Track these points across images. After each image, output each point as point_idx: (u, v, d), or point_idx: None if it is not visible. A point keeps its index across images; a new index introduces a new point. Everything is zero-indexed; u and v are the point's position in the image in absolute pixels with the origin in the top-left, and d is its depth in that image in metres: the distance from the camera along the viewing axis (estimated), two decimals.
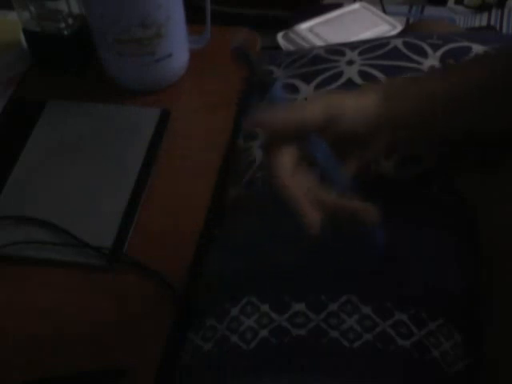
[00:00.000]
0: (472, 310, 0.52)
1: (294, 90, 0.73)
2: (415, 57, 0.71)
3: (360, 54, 0.74)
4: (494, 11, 1.39)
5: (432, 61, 0.70)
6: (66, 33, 0.85)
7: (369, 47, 0.75)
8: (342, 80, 0.71)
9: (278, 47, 1.07)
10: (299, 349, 0.51)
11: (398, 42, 0.73)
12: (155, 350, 0.60)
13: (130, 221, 0.70)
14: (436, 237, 0.56)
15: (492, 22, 1.37)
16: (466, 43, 0.72)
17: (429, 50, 0.72)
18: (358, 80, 0.70)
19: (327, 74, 0.72)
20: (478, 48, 0.71)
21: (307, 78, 0.73)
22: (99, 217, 0.70)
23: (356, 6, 1.16)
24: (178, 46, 0.84)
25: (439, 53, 0.71)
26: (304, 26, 1.08)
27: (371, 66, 0.71)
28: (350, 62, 0.73)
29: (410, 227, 0.57)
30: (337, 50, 0.76)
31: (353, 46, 0.76)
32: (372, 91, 0.51)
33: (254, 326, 0.53)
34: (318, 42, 1.04)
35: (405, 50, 0.72)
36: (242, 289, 0.56)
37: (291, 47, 1.05)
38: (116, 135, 0.80)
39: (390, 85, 0.53)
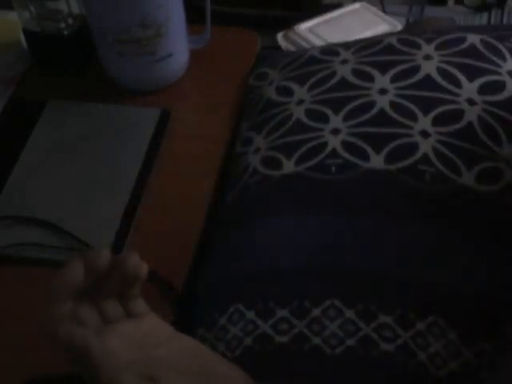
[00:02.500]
0: (470, 304, 0.52)
1: (289, 92, 0.73)
2: (409, 50, 0.71)
3: (354, 52, 0.74)
4: (494, 11, 1.39)
5: (426, 51, 0.70)
6: (66, 33, 0.85)
7: (363, 46, 0.74)
8: (335, 79, 0.70)
9: (277, 47, 1.07)
10: (281, 356, 0.51)
11: (393, 40, 0.73)
12: None
13: (130, 221, 0.70)
14: (423, 232, 0.56)
15: (492, 22, 1.37)
16: (460, 34, 0.71)
17: (423, 43, 0.71)
18: (350, 78, 0.70)
19: (320, 74, 0.72)
20: (472, 37, 0.70)
21: (301, 80, 0.73)
22: (99, 217, 0.70)
23: (356, 5, 1.15)
24: (177, 46, 0.84)
25: (433, 45, 0.71)
26: (304, 26, 1.08)
27: (365, 63, 0.71)
28: (344, 62, 0.72)
29: (395, 224, 0.57)
30: (331, 50, 0.76)
31: (347, 45, 0.76)
32: None
33: (240, 334, 0.53)
34: (318, 42, 1.03)
35: (399, 46, 0.72)
36: (229, 297, 0.57)
37: (291, 47, 1.05)
38: (116, 135, 0.80)
39: None
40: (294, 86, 0.73)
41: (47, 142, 0.79)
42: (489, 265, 0.55)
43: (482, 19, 1.39)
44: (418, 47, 0.71)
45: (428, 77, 0.67)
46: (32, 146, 0.79)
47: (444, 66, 0.67)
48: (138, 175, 0.74)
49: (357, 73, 0.70)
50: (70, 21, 0.86)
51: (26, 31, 0.88)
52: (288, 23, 1.11)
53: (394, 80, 0.68)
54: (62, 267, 0.41)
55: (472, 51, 0.69)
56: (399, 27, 1.10)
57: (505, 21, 1.38)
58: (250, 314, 0.54)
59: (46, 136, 0.80)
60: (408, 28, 1.05)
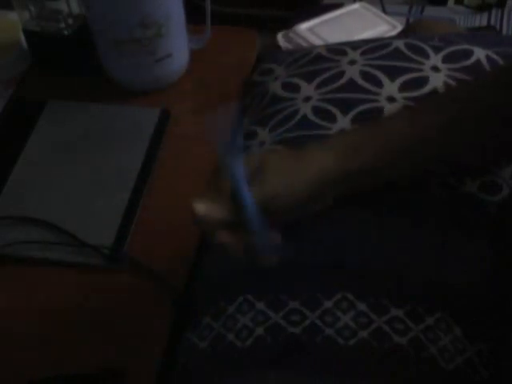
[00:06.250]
0: (475, 303, 0.52)
1: (296, 88, 0.73)
2: (417, 57, 0.71)
3: (362, 54, 0.74)
4: (494, 11, 1.39)
5: (434, 61, 0.70)
6: (66, 33, 0.85)
7: (371, 47, 0.75)
8: (344, 80, 0.71)
9: (278, 47, 1.07)
10: (294, 346, 0.51)
11: (400, 44, 0.73)
12: (155, 349, 0.60)
13: (130, 221, 0.70)
14: (435, 231, 0.56)
15: (492, 22, 1.37)
16: (467, 46, 0.72)
17: (430, 51, 0.72)
18: (359, 80, 0.70)
19: (329, 73, 0.72)
20: (479, 52, 0.71)
21: (308, 77, 0.73)
22: (99, 217, 0.70)
23: (356, 6, 1.15)
24: (178, 46, 0.84)
25: (440, 55, 0.71)
26: (304, 26, 1.08)
27: (373, 66, 0.71)
28: (352, 62, 0.73)
29: (408, 223, 0.57)
30: (339, 49, 0.76)
31: (355, 45, 0.76)
32: (327, 152, 0.53)
33: (250, 324, 0.53)
34: (318, 42, 1.04)
35: (406, 51, 0.72)
36: (238, 287, 0.57)
37: (291, 47, 1.05)
38: (116, 135, 0.80)
39: (345, 139, 0.55)
40: (301, 83, 0.73)
41: (47, 142, 0.79)
42: (492, 266, 0.55)
43: (482, 19, 1.39)
44: (427, 56, 0.71)
45: (435, 90, 0.67)
46: (32, 146, 0.79)
47: (450, 81, 0.68)
48: (137, 175, 0.74)
49: (365, 76, 0.70)
50: (70, 21, 0.86)
51: (26, 31, 0.88)
52: (288, 23, 1.11)
53: (402, 89, 0.68)
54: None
55: (478, 69, 0.69)
56: (399, 27, 1.11)
57: (505, 21, 1.38)
58: (260, 305, 0.54)
59: (46, 136, 0.80)
60: (412, 27, 1.04)
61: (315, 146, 0.56)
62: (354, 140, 0.54)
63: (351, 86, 0.70)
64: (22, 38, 0.90)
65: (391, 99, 0.67)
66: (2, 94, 0.87)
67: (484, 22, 1.38)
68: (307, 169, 0.51)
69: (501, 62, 0.70)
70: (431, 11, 1.42)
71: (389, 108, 0.66)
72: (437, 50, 0.72)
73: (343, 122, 0.66)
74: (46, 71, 0.91)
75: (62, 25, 0.85)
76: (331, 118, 0.67)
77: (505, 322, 0.52)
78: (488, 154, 0.58)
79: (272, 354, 0.51)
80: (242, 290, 0.56)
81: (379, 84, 0.69)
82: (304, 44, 1.05)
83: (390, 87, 0.68)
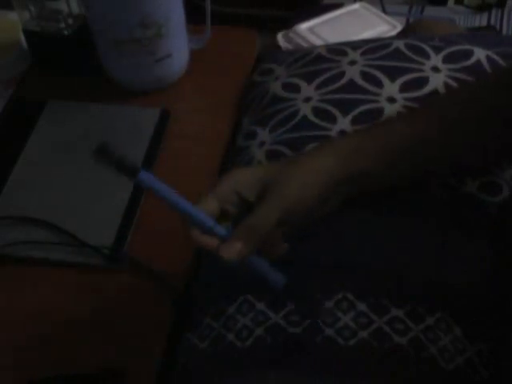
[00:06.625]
0: (475, 303, 0.52)
1: (296, 88, 0.73)
2: (417, 58, 0.71)
3: (362, 54, 0.74)
4: (494, 11, 1.39)
5: (434, 62, 0.70)
6: (66, 33, 0.85)
7: (371, 47, 0.74)
8: (344, 80, 0.71)
9: (278, 47, 1.07)
10: (294, 346, 0.51)
11: (400, 44, 0.73)
12: (155, 350, 0.60)
13: (130, 221, 0.70)
14: (435, 231, 0.56)
15: (492, 22, 1.37)
16: (467, 46, 0.72)
17: (431, 52, 0.72)
18: (359, 81, 0.70)
19: (329, 73, 0.72)
20: (479, 52, 0.71)
21: (309, 78, 0.73)
22: (99, 217, 0.70)
23: (356, 6, 1.15)
24: (178, 46, 0.84)
25: (441, 55, 0.71)
26: (304, 26, 1.08)
27: (373, 66, 0.71)
28: (352, 63, 0.73)
29: (408, 223, 0.57)
30: (339, 49, 0.76)
31: (355, 45, 0.76)
32: (329, 154, 0.53)
33: (250, 324, 0.53)
34: (318, 42, 1.04)
35: (407, 52, 0.72)
36: (238, 288, 0.57)
37: (291, 47, 1.05)
38: (116, 135, 0.80)
39: (348, 142, 0.55)
40: (301, 83, 0.73)
41: (47, 142, 0.79)
42: (492, 266, 0.55)
43: (482, 19, 1.39)
44: (427, 56, 0.71)
45: (435, 91, 0.67)
46: (32, 146, 0.79)
47: (450, 81, 0.68)
48: None
49: (365, 76, 0.70)
50: (70, 21, 0.86)
51: (26, 31, 0.88)
52: (288, 23, 1.11)
53: (402, 89, 0.68)
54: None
55: (478, 69, 0.69)
56: (399, 27, 1.10)
57: (505, 21, 1.38)
58: (260, 305, 0.54)
59: (46, 136, 0.80)
60: (412, 27, 1.04)
61: (315, 150, 0.56)
62: (355, 141, 0.54)
63: (351, 86, 0.70)
64: (22, 38, 0.90)
65: (391, 100, 0.67)
66: (2, 94, 0.87)
67: (484, 22, 1.37)
68: (313, 175, 0.52)
69: (501, 62, 0.70)
70: (431, 11, 1.42)
71: (389, 108, 0.66)
72: (437, 50, 0.72)
73: (343, 122, 0.66)
74: (46, 71, 0.91)
75: (62, 25, 0.85)
76: (331, 119, 0.67)
77: (505, 321, 0.52)
78: (489, 155, 0.58)
79: (272, 354, 0.51)
80: (242, 291, 0.56)
81: (379, 84, 0.69)
82: (304, 44, 1.05)
83: (391, 88, 0.68)
